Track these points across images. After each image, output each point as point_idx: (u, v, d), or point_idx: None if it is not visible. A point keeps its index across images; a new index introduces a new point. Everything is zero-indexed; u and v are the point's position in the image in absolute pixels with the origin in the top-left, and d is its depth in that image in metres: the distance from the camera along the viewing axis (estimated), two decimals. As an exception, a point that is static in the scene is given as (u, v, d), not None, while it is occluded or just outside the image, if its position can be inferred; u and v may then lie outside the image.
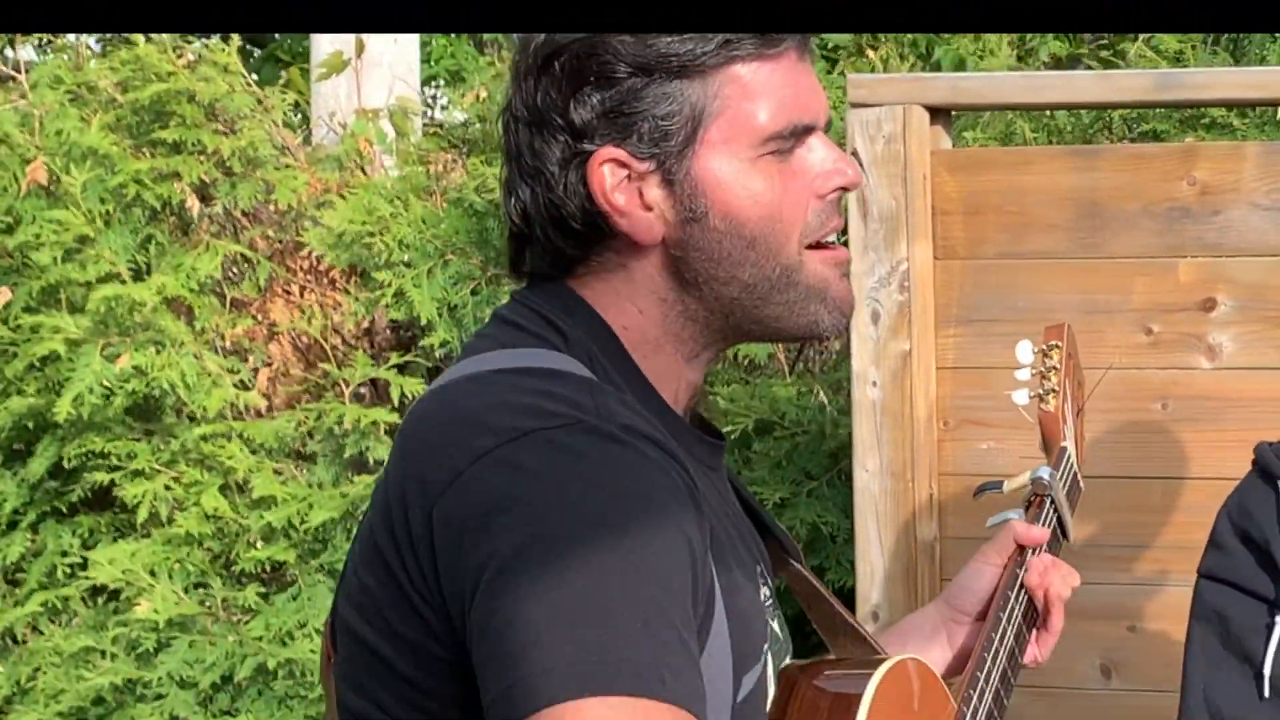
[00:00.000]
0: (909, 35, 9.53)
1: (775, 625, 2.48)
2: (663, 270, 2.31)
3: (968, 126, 6.08)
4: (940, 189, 5.14)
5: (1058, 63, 8.99)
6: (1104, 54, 8.72)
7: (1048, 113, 6.49)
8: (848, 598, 5.35)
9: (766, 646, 2.38)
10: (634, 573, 2.01)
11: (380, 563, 2.19)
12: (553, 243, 2.32)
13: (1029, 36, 8.83)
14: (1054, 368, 3.17)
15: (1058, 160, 5.26)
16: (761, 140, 2.27)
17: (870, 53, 8.73)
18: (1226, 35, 7.99)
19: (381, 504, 2.23)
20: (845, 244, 2.56)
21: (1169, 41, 7.72)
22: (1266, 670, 3.05)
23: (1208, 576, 3.24)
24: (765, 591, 2.45)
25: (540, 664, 1.94)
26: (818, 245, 2.34)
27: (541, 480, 2.07)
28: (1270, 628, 3.08)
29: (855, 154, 5.05)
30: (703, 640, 2.14)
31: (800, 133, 2.30)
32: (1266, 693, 3.04)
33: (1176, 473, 4.96)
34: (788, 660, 2.54)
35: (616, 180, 2.25)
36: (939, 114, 5.19)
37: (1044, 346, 3.20)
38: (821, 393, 6.21)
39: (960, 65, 8.16)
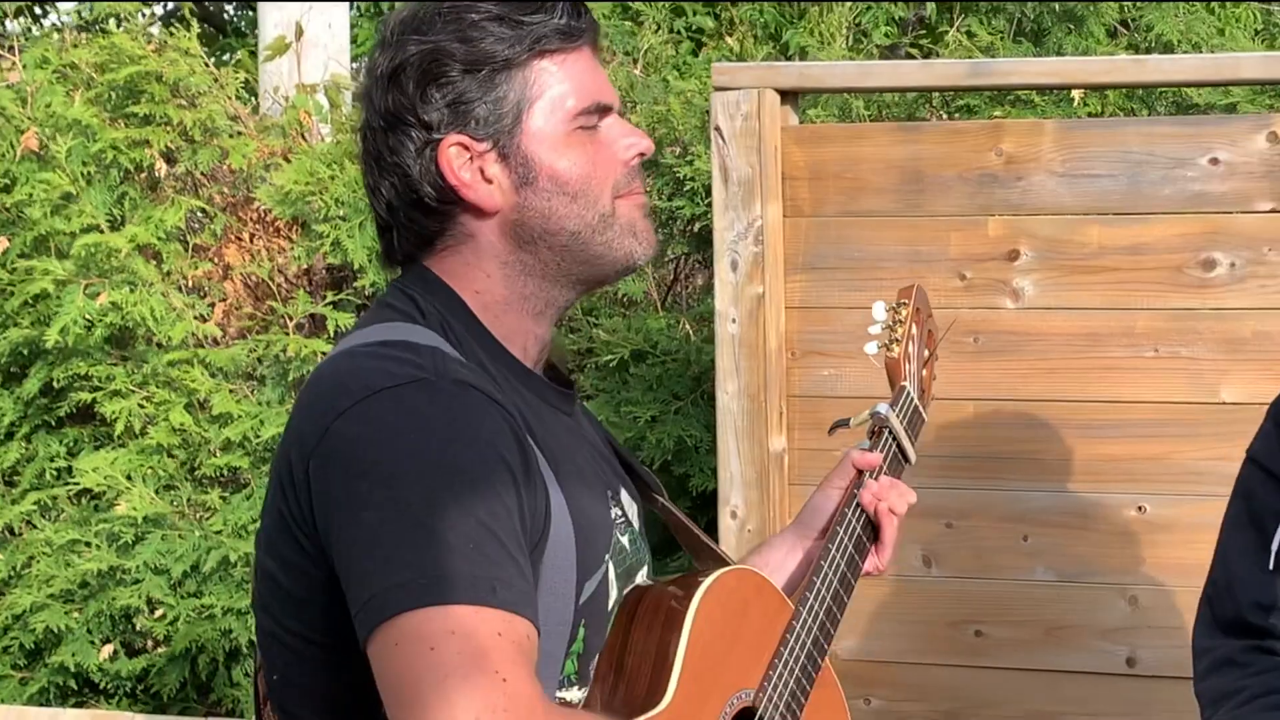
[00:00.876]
0: (763, 22, 9.45)
1: (625, 540, 2.52)
2: (504, 235, 2.43)
3: (811, 106, 6.03)
4: (789, 159, 5.15)
5: (888, 50, 8.93)
6: (924, 42, 8.67)
7: (878, 94, 6.42)
8: (710, 499, 5.40)
9: (608, 556, 2.43)
10: (463, 500, 2.12)
11: (275, 507, 2.31)
12: (414, 223, 2.45)
13: (861, 28, 8.80)
14: (900, 321, 3.13)
15: (886, 135, 5.28)
16: (572, 117, 2.43)
17: (729, 39, 8.67)
18: (1030, 29, 8.00)
19: (280, 457, 2.35)
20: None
21: (981, 33, 7.72)
22: (1273, 547, 2.96)
23: (1250, 460, 3.11)
24: (615, 512, 2.52)
25: (388, 581, 2.06)
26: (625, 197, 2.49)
27: (387, 429, 2.18)
28: None
29: (719, 129, 5.10)
30: (541, 549, 2.27)
31: (601, 110, 2.47)
32: (1271, 565, 2.96)
33: (985, 395, 4.97)
34: (644, 571, 2.59)
35: (462, 160, 2.39)
36: (788, 96, 5.20)
37: (895, 304, 3.16)
38: (688, 326, 6.24)
39: (804, 54, 8.13)
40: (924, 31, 8.76)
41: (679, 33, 8.69)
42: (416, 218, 2.44)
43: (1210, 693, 3.02)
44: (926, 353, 3.28)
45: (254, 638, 2.60)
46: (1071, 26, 7.91)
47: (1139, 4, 8.12)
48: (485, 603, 2.04)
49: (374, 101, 2.44)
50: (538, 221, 2.42)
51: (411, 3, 2.49)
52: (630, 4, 8.93)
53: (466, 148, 2.38)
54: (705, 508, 5.67)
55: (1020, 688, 5.01)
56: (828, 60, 7.34)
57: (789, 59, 7.94)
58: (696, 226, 6.31)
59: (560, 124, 2.42)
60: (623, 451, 2.74)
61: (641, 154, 2.52)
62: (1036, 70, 5.70)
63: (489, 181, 2.40)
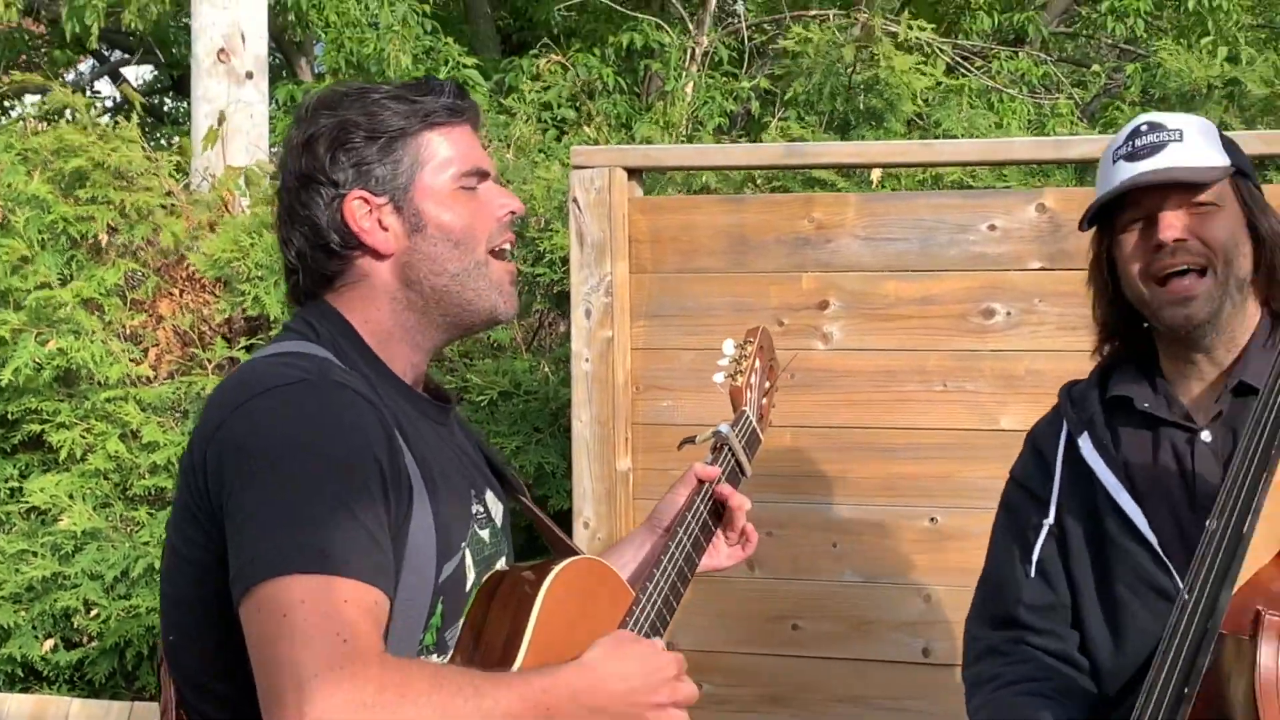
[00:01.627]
0: (616, 113, 9.42)
1: (485, 534, 2.52)
2: (395, 274, 2.46)
3: (654, 182, 5.89)
4: (634, 225, 5.12)
5: (721, 133, 8.90)
6: (750, 132, 8.67)
7: (710, 172, 6.32)
8: (566, 515, 5.32)
9: (465, 545, 2.43)
10: (330, 485, 2.13)
11: (184, 495, 2.30)
12: (319, 265, 2.47)
13: (698, 121, 8.83)
14: (746, 356, 3.19)
15: (716, 205, 5.24)
16: (456, 178, 2.48)
17: (587, 128, 8.65)
18: (838, 123, 8.08)
19: (187, 451, 2.33)
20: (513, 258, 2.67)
21: (795, 128, 7.78)
22: (1034, 556, 2.97)
23: (1011, 478, 3.13)
24: (477, 508, 2.51)
25: (255, 553, 2.08)
26: (498, 255, 2.53)
27: (272, 421, 2.20)
28: (1039, 527, 2.98)
29: (576, 200, 5.09)
30: (404, 532, 2.25)
31: (479, 174, 2.52)
32: (1032, 573, 2.96)
33: (800, 423, 4.91)
34: (503, 561, 2.58)
35: (363, 211, 2.43)
36: (634, 173, 5.18)
37: (742, 342, 3.23)
38: (547, 368, 6.19)
39: (649, 139, 8.12)
40: (750, 124, 8.70)
41: (546, 122, 8.60)
42: (321, 259, 2.46)
43: (974, 677, 3.02)
44: (768, 384, 3.31)
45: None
46: (874, 123, 8.00)
47: (930, 104, 8.16)
48: (336, 573, 2.05)
49: (289, 165, 2.48)
50: (424, 263, 2.45)
51: (324, 88, 2.58)
52: (503, 100, 8.92)
53: (367, 201, 2.42)
54: (562, 523, 5.39)
55: (832, 674, 4.97)
56: (668, 144, 7.24)
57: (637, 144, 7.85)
58: (555, 290, 6.22)
59: (446, 183, 2.47)
60: (495, 459, 2.72)
61: (513, 212, 2.56)
62: (842, 151, 5.89)
63: (385, 229, 2.44)
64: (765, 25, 11.51)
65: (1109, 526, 2.88)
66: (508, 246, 2.56)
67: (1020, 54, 11.17)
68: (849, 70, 8.38)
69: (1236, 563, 2.29)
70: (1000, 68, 10.25)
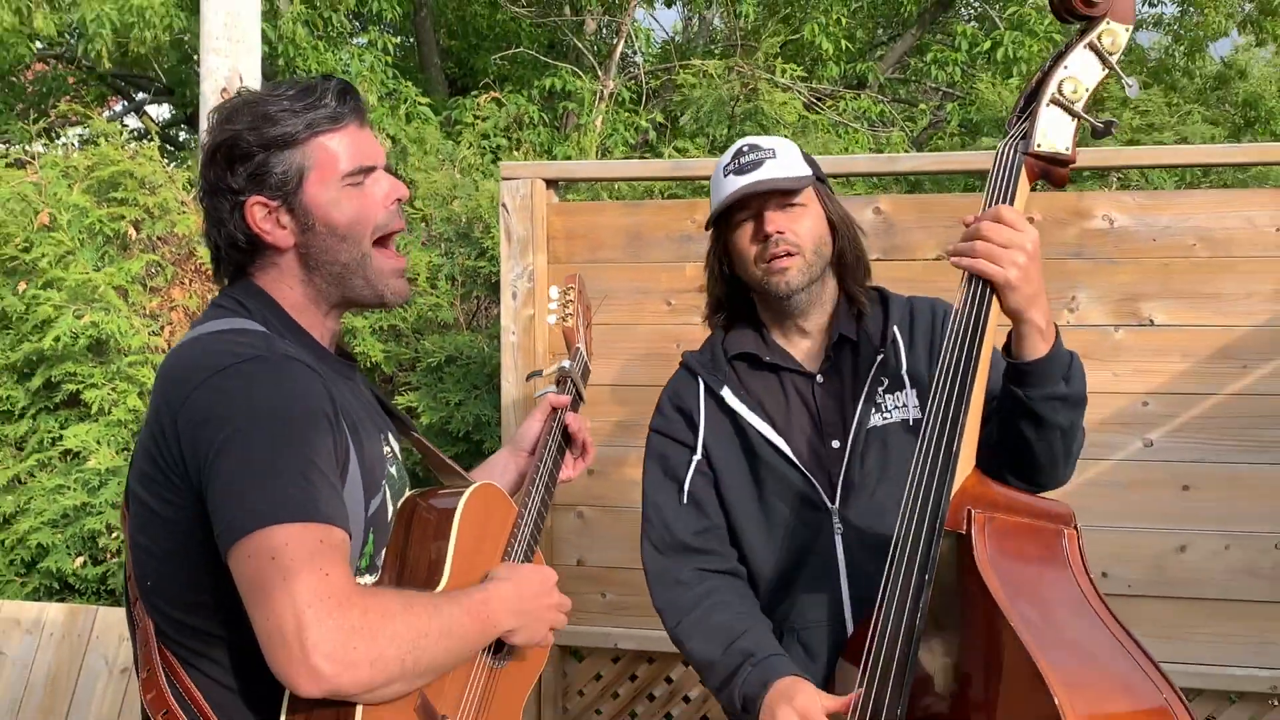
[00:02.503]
0: (540, 142, 9.42)
1: (394, 470, 2.49)
2: (297, 263, 2.37)
3: (569, 190, 5.81)
4: (551, 225, 5.07)
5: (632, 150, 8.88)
6: (649, 154, 8.69)
7: (613, 183, 6.28)
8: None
9: (384, 481, 2.41)
10: (293, 444, 2.09)
11: (150, 455, 2.20)
12: (232, 258, 2.39)
13: (607, 149, 8.88)
14: (570, 300, 3.29)
15: (618, 210, 5.14)
16: (340, 177, 2.35)
17: (517, 153, 8.66)
18: (721, 146, 8.21)
19: (150, 418, 2.24)
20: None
21: (689, 147, 7.84)
22: (685, 487, 3.04)
23: (655, 431, 3.16)
24: (387, 449, 2.49)
25: (241, 509, 2.03)
26: (385, 242, 2.44)
27: (234, 394, 2.12)
28: (688, 464, 3.05)
29: (504, 205, 5.02)
30: (344, 477, 2.22)
31: (365, 171, 2.38)
32: (685, 500, 3.04)
33: None
34: (407, 493, 2.55)
35: (261, 215, 2.33)
36: (552, 184, 5.11)
37: (564, 289, 3.33)
38: (484, 341, 6.10)
39: (567, 157, 8.13)
40: (648, 151, 8.69)
41: (484, 149, 8.56)
42: (234, 253, 2.38)
43: (673, 606, 2.99)
44: (586, 322, 3.35)
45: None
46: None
47: (795, 134, 8.25)
48: (310, 519, 2.03)
49: (202, 174, 2.39)
50: (318, 255, 2.36)
51: (227, 100, 2.44)
52: (450, 129, 8.89)
53: (265, 204, 2.33)
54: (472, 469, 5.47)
55: None
56: (579, 160, 7.18)
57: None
58: (494, 279, 6.13)
59: (333, 183, 2.34)
60: (388, 405, 2.66)
61: (399, 199, 2.45)
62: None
63: (283, 228, 2.35)
64: (658, 72, 11.51)
65: (759, 453, 2.97)
66: (398, 231, 2.47)
67: (862, 95, 11.20)
68: (733, 102, 8.45)
69: (952, 473, 2.42)
70: (846, 107, 10.28)
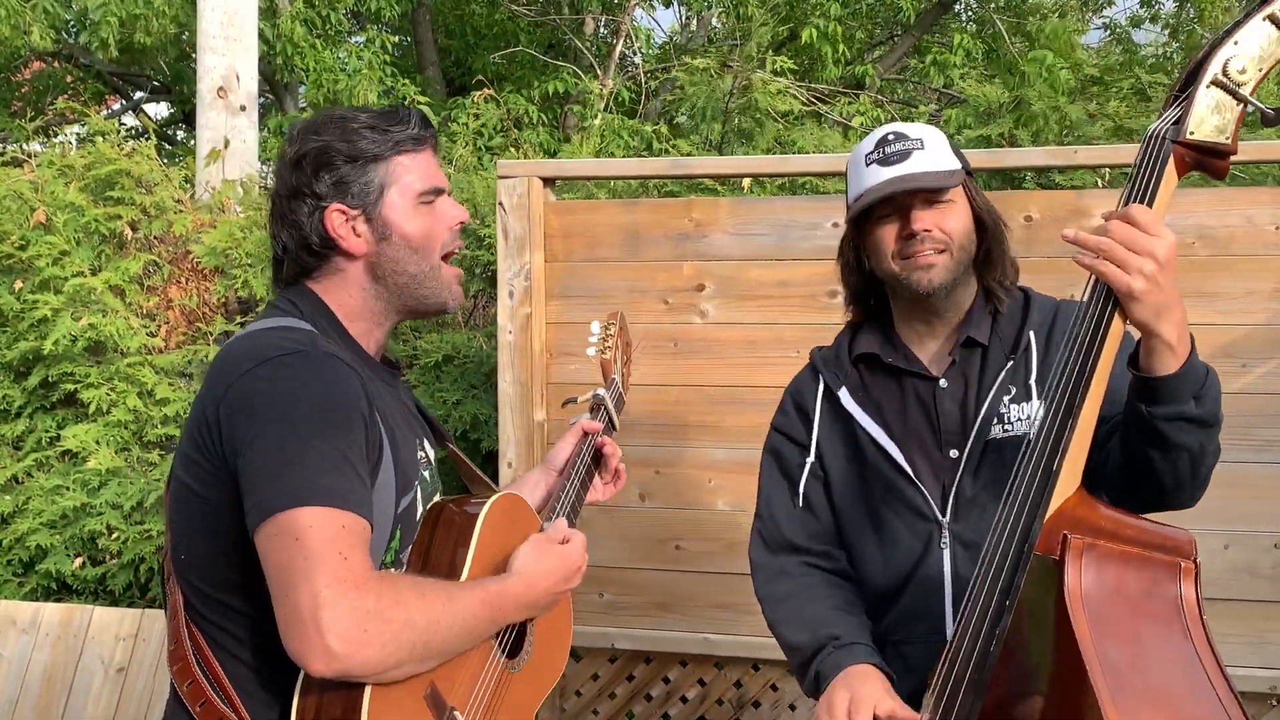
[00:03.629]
0: (540, 142, 9.39)
1: (427, 474, 2.57)
2: (364, 271, 2.47)
3: (565, 188, 5.86)
4: (548, 223, 5.07)
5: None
6: (645, 152, 8.65)
7: (609, 181, 6.26)
8: (494, 455, 5.30)
9: (416, 482, 2.48)
10: (326, 434, 2.16)
11: (194, 440, 2.28)
12: (302, 260, 2.48)
13: (606, 139, 8.86)
14: (610, 334, 3.34)
15: (614, 208, 5.13)
16: (417, 195, 2.47)
17: (513, 149, 8.63)
18: (716, 143, 8.18)
19: (197, 404, 2.31)
20: (460, 264, 3.03)
21: (683, 145, 7.79)
22: (800, 490, 2.98)
23: (774, 429, 3.08)
24: (421, 454, 2.55)
25: (270, 490, 2.10)
26: (448, 259, 2.55)
27: (275, 385, 2.19)
28: (802, 466, 2.99)
29: (501, 203, 5.02)
30: (376, 472, 2.29)
31: (437, 192, 2.51)
32: (799, 503, 2.98)
33: (682, 383, 4.94)
34: (438, 496, 2.61)
35: (339, 221, 2.43)
36: (549, 182, 5.12)
37: (606, 323, 3.37)
38: (481, 339, 6.10)
39: (567, 149, 8.15)
40: (646, 148, 8.67)
41: (480, 149, 8.54)
42: (304, 256, 2.47)
43: (772, 596, 2.97)
44: (625, 357, 3.42)
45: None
46: (744, 140, 8.04)
47: (790, 126, 8.22)
48: (335, 505, 2.09)
49: (282, 177, 2.48)
50: (389, 264, 2.46)
51: (311, 115, 2.58)
52: (446, 129, 8.88)
53: (344, 212, 2.43)
54: (490, 461, 5.58)
55: (708, 585, 4.94)
56: (576, 159, 7.22)
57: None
58: (490, 271, 6.09)
59: (410, 200, 2.46)
60: (428, 415, 2.73)
61: (462, 222, 2.56)
62: (716, 164, 5.84)
63: (359, 236, 2.44)
64: (658, 73, 11.50)
65: (870, 459, 2.88)
66: (457, 250, 2.57)
67: (860, 96, 11.18)
68: (726, 97, 8.44)
69: (1049, 494, 2.21)
70: (844, 110, 10.26)
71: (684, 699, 5.15)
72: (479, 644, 2.36)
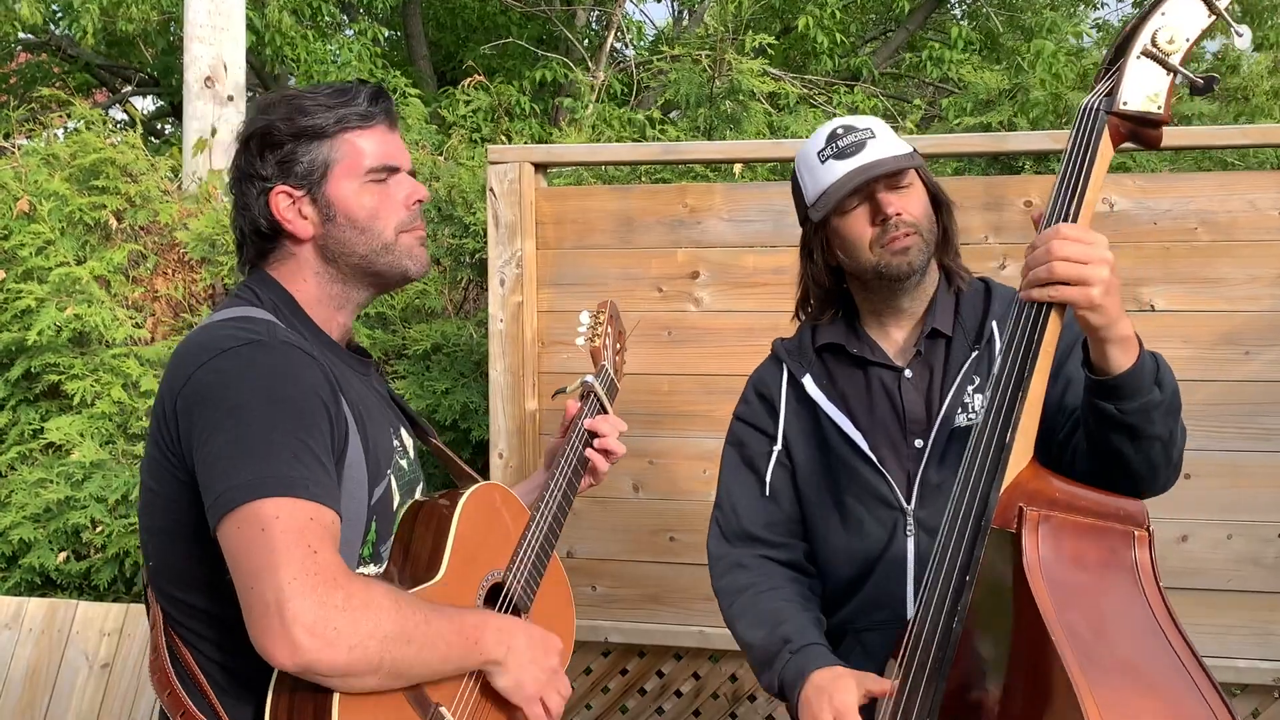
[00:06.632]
0: (531, 133, 9.36)
1: (404, 463, 2.51)
2: (315, 253, 2.43)
3: (556, 174, 5.83)
4: (540, 210, 5.01)
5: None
6: (635, 134, 8.64)
7: (603, 167, 6.27)
8: (484, 445, 5.31)
9: (390, 471, 2.43)
10: (287, 424, 2.10)
11: (154, 438, 2.25)
12: (255, 244, 2.45)
13: (598, 130, 8.84)
14: (600, 322, 3.28)
15: (607, 194, 5.06)
16: (364, 173, 2.41)
17: (504, 138, 8.61)
18: (705, 128, 8.16)
19: (157, 401, 2.28)
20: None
21: (672, 130, 7.80)
22: (766, 479, 2.98)
23: (737, 418, 3.09)
24: (396, 442, 2.49)
25: (231, 482, 2.04)
26: (406, 231, 2.48)
27: (231, 375, 2.15)
28: (769, 454, 2.99)
29: (492, 190, 4.97)
30: (343, 461, 2.24)
31: (389, 170, 2.44)
32: (766, 493, 2.98)
33: (676, 372, 4.89)
34: (421, 486, 2.59)
35: (284, 204, 2.40)
36: (540, 168, 5.05)
37: (595, 312, 3.31)
38: (471, 328, 6.04)
39: (553, 141, 8.15)
40: (639, 135, 8.64)
41: (474, 141, 8.51)
42: (256, 241, 2.43)
43: (727, 587, 2.97)
44: (618, 345, 3.35)
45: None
46: (732, 127, 8.04)
47: (781, 112, 8.22)
48: (300, 496, 2.03)
49: (234, 161, 2.46)
50: (337, 246, 2.41)
51: (270, 93, 2.53)
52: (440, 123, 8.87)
53: (289, 194, 2.39)
54: (481, 451, 5.57)
55: (701, 578, 4.74)
56: (567, 144, 7.20)
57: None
58: (477, 258, 6.11)
59: (356, 178, 2.41)
60: (405, 405, 2.69)
61: (419, 200, 2.49)
62: (710, 149, 5.80)
63: (305, 218, 2.40)
64: (648, 64, 11.47)
65: (835, 447, 2.91)
66: (418, 231, 2.51)
67: (855, 88, 11.16)
68: (709, 80, 8.44)
69: (1002, 467, 2.26)
70: (840, 101, 10.24)
71: (678, 693, 5.11)
72: (450, 675, 2.26)
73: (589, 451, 2.97)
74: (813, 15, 12.15)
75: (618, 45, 13.09)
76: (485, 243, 5.03)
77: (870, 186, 2.79)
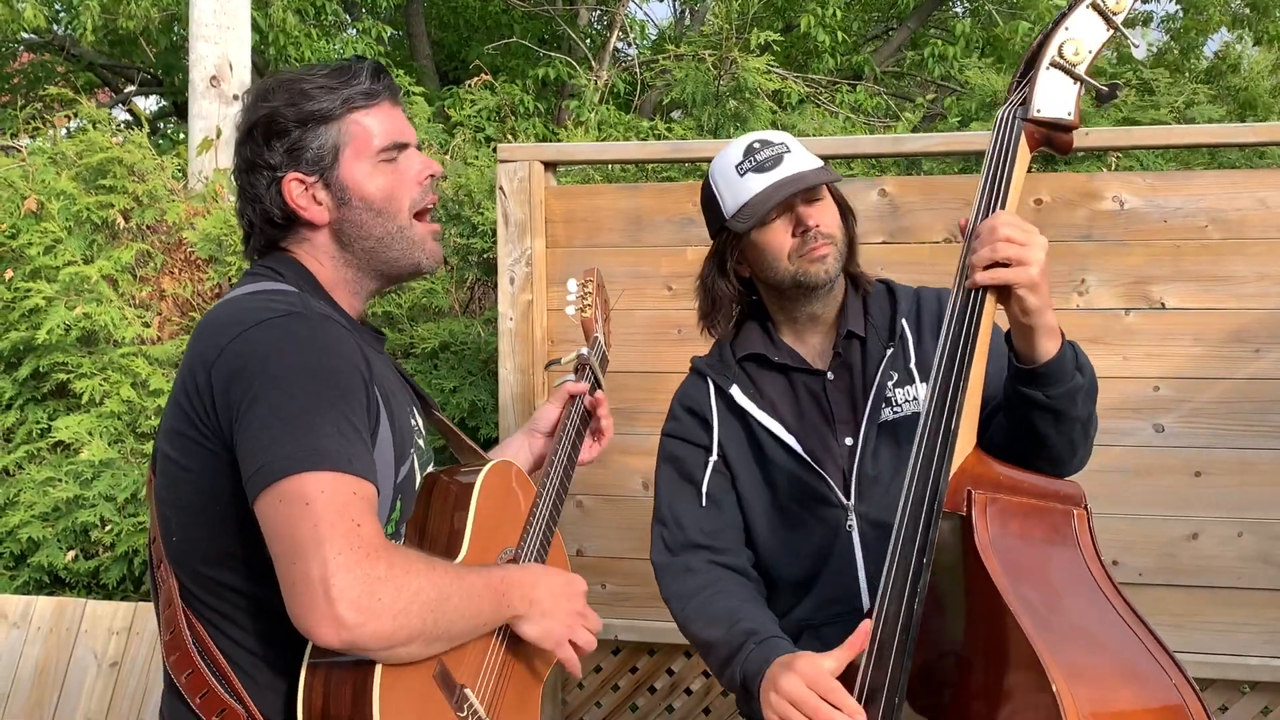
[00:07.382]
0: (537, 133, 9.36)
1: (421, 442, 2.53)
2: (330, 239, 2.42)
3: (565, 173, 5.82)
4: (549, 208, 5.00)
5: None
6: (640, 137, 8.66)
7: (610, 167, 6.32)
8: (492, 444, 5.05)
9: (412, 450, 2.44)
10: (328, 397, 2.08)
11: (181, 411, 2.20)
12: (266, 234, 2.43)
13: (605, 130, 8.85)
14: (588, 292, 3.30)
15: (616, 192, 5.05)
16: (375, 153, 2.40)
17: (510, 137, 8.61)
18: (711, 127, 8.14)
19: (182, 374, 2.24)
20: (439, 220, 2.64)
21: (678, 129, 7.80)
22: (703, 489, 3.02)
23: (668, 435, 3.15)
24: (413, 422, 2.51)
25: (273, 455, 2.01)
26: (421, 217, 2.47)
27: (269, 347, 2.12)
28: (705, 464, 3.03)
29: (501, 188, 4.95)
30: (375, 439, 2.23)
31: (398, 147, 2.43)
32: (704, 503, 3.02)
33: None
34: (431, 466, 2.59)
35: (297, 191, 2.38)
36: (550, 166, 5.05)
37: (583, 281, 3.34)
38: (479, 327, 6.04)
39: (563, 139, 8.15)
40: (643, 137, 8.66)
41: (480, 141, 8.52)
42: (268, 230, 2.42)
43: (679, 594, 2.98)
44: (605, 315, 3.39)
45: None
46: (739, 125, 8.05)
47: (789, 110, 8.22)
48: (345, 470, 2.02)
49: (238, 152, 2.43)
50: (353, 229, 2.40)
51: (262, 80, 2.49)
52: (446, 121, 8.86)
53: (302, 181, 2.37)
54: (489, 449, 5.36)
55: None
56: (577, 143, 7.18)
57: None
58: (485, 257, 6.10)
59: (367, 159, 2.39)
60: (413, 382, 2.67)
61: (432, 175, 2.49)
62: (717, 147, 5.71)
63: (319, 204, 2.39)
64: (652, 64, 11.48)
65: (770, 454, 2.97)
66: (430, 207, 2.50)
67: (858, 87, 11.17)
68: (714, 78, 8.45)
69: (950, 453, 2.37)
70: (843, 100, 10.25)
71: (688, 691, 5.10)
72: (482, 633, 2.30)
73: (602, 426, 3.10)
74: (814, 14, 12.16)
75: (620, 44, 13.09)
76: (493, 242, 5.03)
77: (789, 200, 2.88)
